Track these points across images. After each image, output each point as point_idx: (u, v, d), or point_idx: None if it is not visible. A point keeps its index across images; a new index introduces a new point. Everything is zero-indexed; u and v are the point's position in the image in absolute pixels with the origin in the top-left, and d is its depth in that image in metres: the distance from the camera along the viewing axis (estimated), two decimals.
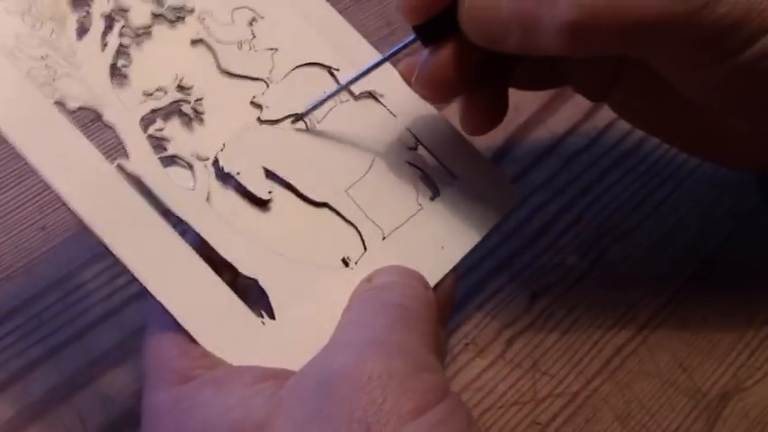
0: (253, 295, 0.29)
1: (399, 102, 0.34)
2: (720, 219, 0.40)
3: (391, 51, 0.31)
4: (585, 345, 0.35)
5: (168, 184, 0.29)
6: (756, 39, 0.25)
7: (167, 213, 0.28)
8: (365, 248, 0.31)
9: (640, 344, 0.35)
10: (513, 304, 0.37)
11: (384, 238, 0.31)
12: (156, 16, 0.31)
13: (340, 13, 0.35)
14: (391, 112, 0.34)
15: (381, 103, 0.34)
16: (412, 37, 0.30)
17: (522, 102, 0.43)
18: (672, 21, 0.25)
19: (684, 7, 0.24)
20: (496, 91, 0.32)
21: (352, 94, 0.34)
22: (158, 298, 0.27)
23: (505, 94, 0.33)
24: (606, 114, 0.43)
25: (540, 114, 0.43)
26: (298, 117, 0.32)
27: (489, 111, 0.32)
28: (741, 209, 0.40)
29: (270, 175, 0.31)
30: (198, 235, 0.28)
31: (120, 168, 0.28)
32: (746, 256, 0.39)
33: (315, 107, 0.32)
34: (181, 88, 0.30)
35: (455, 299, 0.32)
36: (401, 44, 0.30)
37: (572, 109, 0.43)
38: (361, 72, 0.32)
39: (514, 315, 0.36)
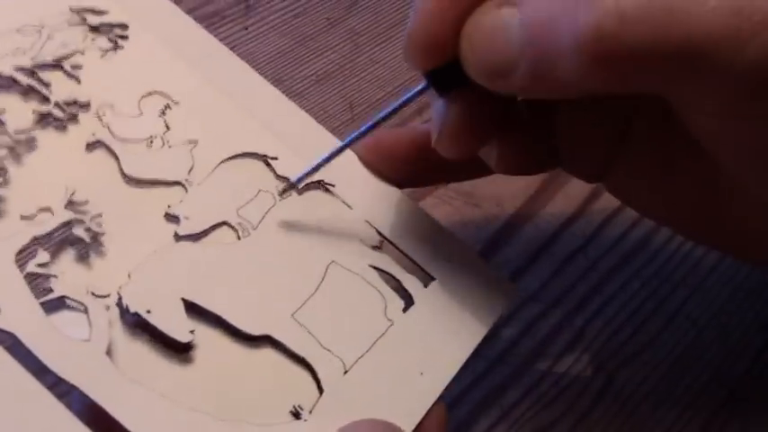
0: None
1: (356, 190, 0.28)
2: (747, 332, 0.33)
3: (398, 103, 0.25)
4: None
5: (53, 338, 0.21)
6: None
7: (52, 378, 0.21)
8: (321, 391, 0.24)
9: None
10: None
11: (346, 373, 0.24)
12: (40, 117, 0.24)
13: (299, 95, 0.28)
14: (346, 204, 0.27)
15: (333, 195, 0.27)
16: (422, 86, 0.24)
17: (504, 194, 0.36)
18: (732, 41, 0.18)
19: (749, 24, 0.18)
20: (536, 131, 0.27)
21: (295, 187, 0.27)
22: None
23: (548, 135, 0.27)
24: (602, 206, 0.37)
25: (526, 209, 0.37)
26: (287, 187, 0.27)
27: (529, 154, 0.27)
28: None
29: (191, 308, 0.24)
30: (90, 404, 0.21)
31: None
32: None
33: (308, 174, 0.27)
34: (72, 205, 0.23)
35: None
36: (408, 95, 0.24)
37: (563, 201, 0.37)
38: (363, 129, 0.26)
39: None
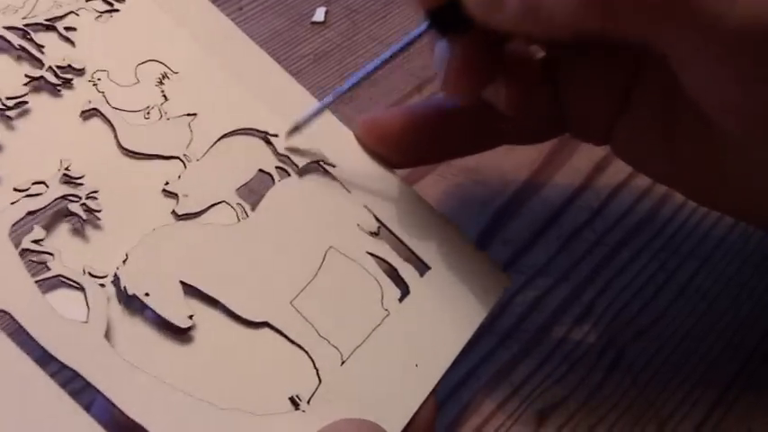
0: None
1: (355, 172, 0.27)
2: (759, 302, 0.33)
3: (401, 45, 0.25)
4: None
5: (50, 318, 0.20)
6: None
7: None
8: (320, 380, 0.23)
9: None
10: (516, 429, 0.29)
11: (343, 363, 0.24)
12: (32, 80, 0.23)
13: (296, 74, 0.28)
14: (345, 187, 0.27)
15: (333, 177, 0.27)
16: (424, 27, 0.24)
17: (507, 169, 0.36)
18: None
19: None
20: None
21: (295, 167, 0.26)
22: None
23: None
24: (608, 180, 0.36)
25: (531, 183, 0.36)
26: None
27: (536, 96, 0.27)
28: None
29: (190, 291, 0.23)
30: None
31: None
32: None
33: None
34: (68, 179, 0.23)
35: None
36: (410, 37, 0.25)
37: (568, 175, 0.36)
38: (366, 71, 0.26)
39: None
